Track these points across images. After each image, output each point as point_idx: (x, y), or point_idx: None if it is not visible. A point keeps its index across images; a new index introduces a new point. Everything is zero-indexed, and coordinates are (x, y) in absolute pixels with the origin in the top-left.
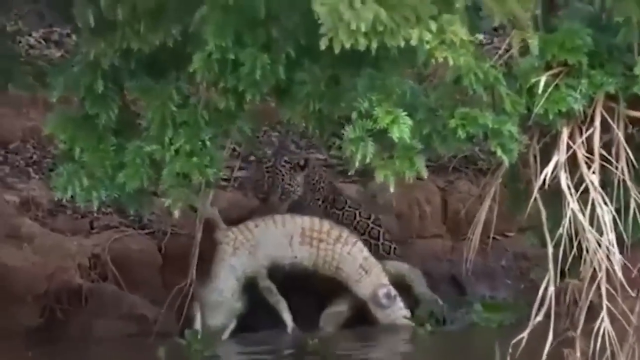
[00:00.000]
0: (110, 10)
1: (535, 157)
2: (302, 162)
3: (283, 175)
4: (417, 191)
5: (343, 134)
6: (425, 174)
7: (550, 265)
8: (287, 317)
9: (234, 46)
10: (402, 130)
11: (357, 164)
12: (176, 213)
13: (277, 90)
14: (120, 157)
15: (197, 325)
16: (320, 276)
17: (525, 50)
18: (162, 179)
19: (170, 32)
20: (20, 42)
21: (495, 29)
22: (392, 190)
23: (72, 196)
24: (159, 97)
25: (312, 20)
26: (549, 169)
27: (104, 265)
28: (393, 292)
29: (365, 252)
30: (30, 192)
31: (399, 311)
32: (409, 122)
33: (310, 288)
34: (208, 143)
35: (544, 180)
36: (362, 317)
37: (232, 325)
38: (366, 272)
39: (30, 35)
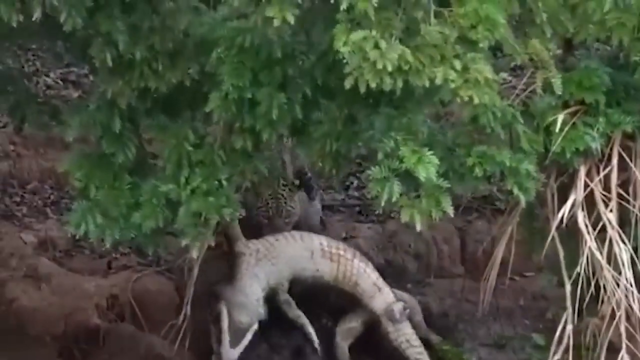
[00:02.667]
0: (128, 49)
1: (552, 195)
2: (297, 182)
3: (285, 198)
4: (435, 231)
5: (361, 174)
6: (452, 212)
7: (568, 304)
8: (311, 332)
9: (251, 86)
10: (428, 169)
11: (383, 204)
12: (194, 252)
13: (294, 129)
14: (135, 196)
15: (224, 322)
16: (338, 290)
17: (543, 88)
18: (178, 218)
19: (187, 71)
20: (37, 82)
21: (513, 68)
22: (418, 229)
23: (85, 233)
24: (175, 136)
25: (328, 60)
26: (566, 207)
27: (121, 306)
28: (406, 310)
29: (376, 272)
30: (47, 232)
31: (408, 329)
32: (435, 161)
33: (324, 303)
34: (225, 183)
35: (562, 218)
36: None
37: (255, 328)
38: (379, 290)
39: (47, 75)
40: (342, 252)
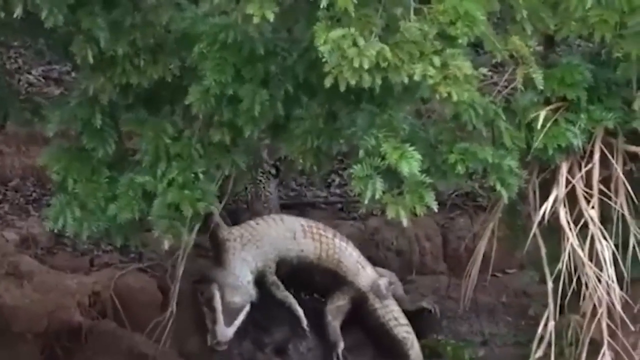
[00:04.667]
0: (109, 46)
1: (534, 192)
2: (273, 170)
3: (264, 184)
4: (417, 228)
5: (343, 171)
6: (435, 207)
7: (550, 300)
8: (300, 312)
9: (233, 82)
10: (411, 165)
11: (367, 201)
12: (165, 244)
13: (275, 126)
14: (113, 189)
15: (217, 303)
16: (323, 269)
17: (525, 85)
18: (153, 210)
19: (169, 66)
20: (20, 80)
21: (494, 65)
22: (405, 225)
23: (63, 227)
24: (153, 129)
25: (310, 57)
26: (548, 204)
27: (103, 303)
28: (392, 285)
29: (357, 250)
30: (29, 230)
31: (395, 305)
32: (418, 156)
33: (311, 283)
34: (201, 176)
35: (543, 215)
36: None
37: (247, 309)
38: (362, 267)
39: (29, 73)
40: (322, 232)
